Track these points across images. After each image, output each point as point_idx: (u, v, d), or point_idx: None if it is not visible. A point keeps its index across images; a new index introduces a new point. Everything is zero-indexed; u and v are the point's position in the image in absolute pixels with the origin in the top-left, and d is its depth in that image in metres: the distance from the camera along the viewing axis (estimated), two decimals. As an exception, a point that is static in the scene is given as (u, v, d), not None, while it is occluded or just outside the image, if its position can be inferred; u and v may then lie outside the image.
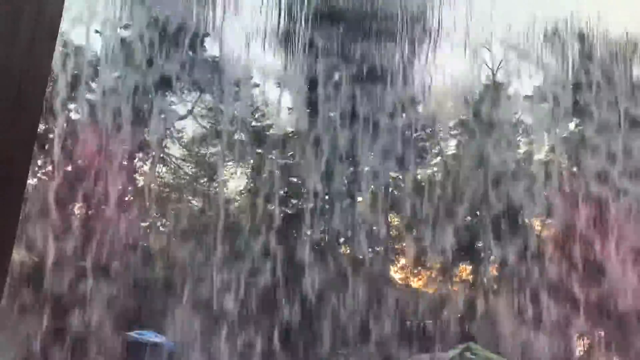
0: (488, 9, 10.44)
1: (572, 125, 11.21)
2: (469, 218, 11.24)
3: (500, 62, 11.69)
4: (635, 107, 10.40)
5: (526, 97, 11.54)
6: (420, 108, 12.30)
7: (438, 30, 11.19)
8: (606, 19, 10.50)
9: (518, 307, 9.97)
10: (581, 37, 11.02)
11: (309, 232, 10.85)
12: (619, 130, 10.14)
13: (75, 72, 10.28)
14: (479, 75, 11.43)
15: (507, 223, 10.41)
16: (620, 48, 10.81)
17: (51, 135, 9.96)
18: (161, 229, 11.85)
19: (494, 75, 11.73)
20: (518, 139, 11.89)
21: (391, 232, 12.27)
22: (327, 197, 11.02)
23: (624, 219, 9.53)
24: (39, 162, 10.34)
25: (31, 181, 9.69)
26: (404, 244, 12.63)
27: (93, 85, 11.26)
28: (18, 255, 8.91)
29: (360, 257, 11.33)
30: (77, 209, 10.87)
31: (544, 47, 11.16)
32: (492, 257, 11.76)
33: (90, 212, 10.61)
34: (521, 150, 11.93)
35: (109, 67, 11.11)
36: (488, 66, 11.60)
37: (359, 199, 11.85)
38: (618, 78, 10.68)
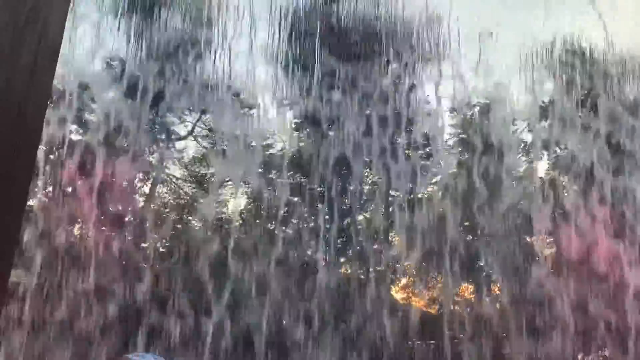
0: (487, 26, 10.57)
1: (572, 143, 11.24)
2: (470, 237, 11.21)
3: (499, 80, 11.76)
4: (636, 124, 10.47)
5: (526, 115, 11.60)
6: (420, 127, 12.34)
7: (437, 49, 11.31)
8: (608, 37, 10.62)
9: (521, 326, 9.90)
10: (582, 55, 11.12)
11: (309, 252, 10.83)
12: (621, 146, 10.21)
13: (76, 92, 10.36)
14: (478, 93, 11.51)
15: (509, 242, 10.39)
16: (621, 66, 10.91)
17: (51, 157, 9.99)
18: (161, 249, 11.81)
19: (493, 93, 11.80)
20: (518, 157, 11.92)
21: (392, 252, 12.22)
22: (327, 216, 11.01)
23: (628, 236, 9.52)
24: (39, 183, 10.35)
25: (31, 202, 9.68)
26: (406, 264, 12.59)
27: (93, 106, 11.33)
28: (15, 276, 8.86)
29: (362, 276, 11.28)
30: (77, 230, 10.85)
31: (544, 65, 11.27)
32: (493, 277, 11.71)
33: (89, 233, 10.58)
34: (522, 169, 11.94)
35: (110, 87, 11.20)
36: (487, 84, 11.66)
37: (360, 218, 11.84)
38: (619, 96, 10.76)
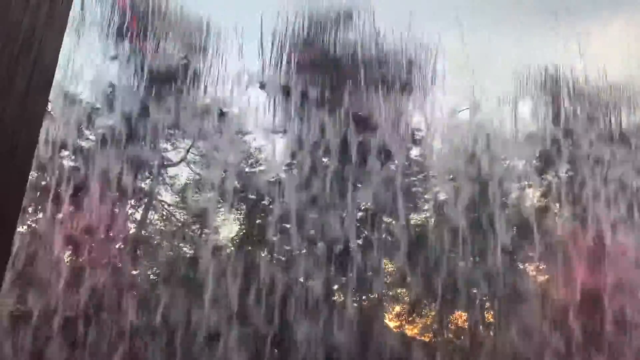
0: (477, 57, 10.74)
1: (562, 171, 11.34)
2: (462, 263, 11.18)
3: (491, 108, 11.89)
4: (621, 151, 10.60)
5: (517, 143, 11.69)
6: (412, 154, 12.41)
7: (429, 78, 11.46)
8: (594, 66, 10.81)
9: (514, 354, 9.82)
10: (570, 85, 11.29)
11: (301, 279, 10.74)
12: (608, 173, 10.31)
13: (69, 119, 10.37)
14: (470, 122, 11.61)
15: (502, 269, 10.37)
16: (608, 95, 11.09)
17: (43, 183, 9.94)
18: (152, 276, 11.69)
19: (484, 121, 11.92)
20: (510, 184, 11.97)
21: (385, 279, 12.16)
22: (319, 243, 10.96)
23: (618, 263, 9.53)
24: (30, 210, 10.27)
25: (21, 229, 9.60)
26: (399, 291, 12.51)
27: (86, 132, 11.33)
28: (5, 305, 8.74)
29: (355, 305, 11.18)
30: (67, 256, 10.75)
31: (534, 93, 11.43)
32: (487, 304, 11.65)
33: (81, 259, 10.48)
34: (513, 196, 11.99)
35: (103, 114, 11.23)
36: (479, 112, 11.78)
37: (352, 245, 11.78)
38: (606, 124, 10.91)
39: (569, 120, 11.08)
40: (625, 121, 11.05)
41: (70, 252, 10.57)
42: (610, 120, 10.98)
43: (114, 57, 11.19)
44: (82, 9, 10.04)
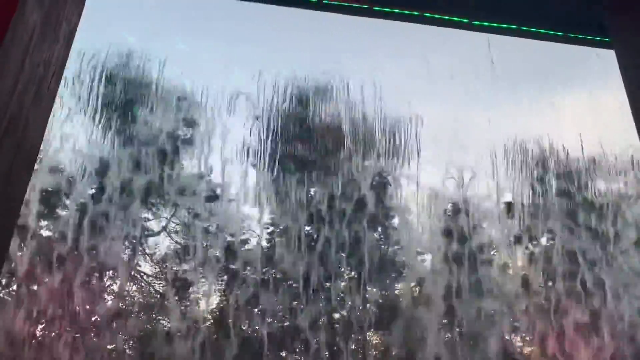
0: (456, 126, 11.03)
1: (543, 240, 11.44)
2: (448, 335, 11.01)
3: (469, 179, 12.09)
4: (596, 219, 10.78)
5: (495, 212, 11.84)
6: (394, 222, 12.47)
7: (410, 147, 11.69)
8: (568, 137, 11.16)
9: None
10: (546, 155, 11.60)
11: (283, 354, 10.46)
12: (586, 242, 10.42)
13: (50, 189, 10.30)
14: (447, 191, 11.76)
15: (487, 340, 10.23)
16: (581, 165, 11.39)
17: (19, 253, 9.73)
18: (128, 351, 11.28)
19: (463, 191, 12.09)
20: (491, 253, 12.01)
21: (370, 352, 11.88)
22: (303, 315, 10.76)
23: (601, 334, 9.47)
24: (4, 281, 9.99)
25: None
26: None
27: (67, 201, 11.22)
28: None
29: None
30: (41, 329, 10.38)
31: (512, 164, 11.68)
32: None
33: (54, 333, 10.12)
34: (494, 267, 11.99)
35: (84, 184, 11.17)
36: (458, 183, 11.97)
37: (336, 316, 11.58)
38: (580, 193, 11.14)
39: (546, 189, 11.29)
40: (602, 191, 11.30)
41: (42, 325, 10.22)
42: (587, 190, 11.21)
43: (96, 126, 11.28)
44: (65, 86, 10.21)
